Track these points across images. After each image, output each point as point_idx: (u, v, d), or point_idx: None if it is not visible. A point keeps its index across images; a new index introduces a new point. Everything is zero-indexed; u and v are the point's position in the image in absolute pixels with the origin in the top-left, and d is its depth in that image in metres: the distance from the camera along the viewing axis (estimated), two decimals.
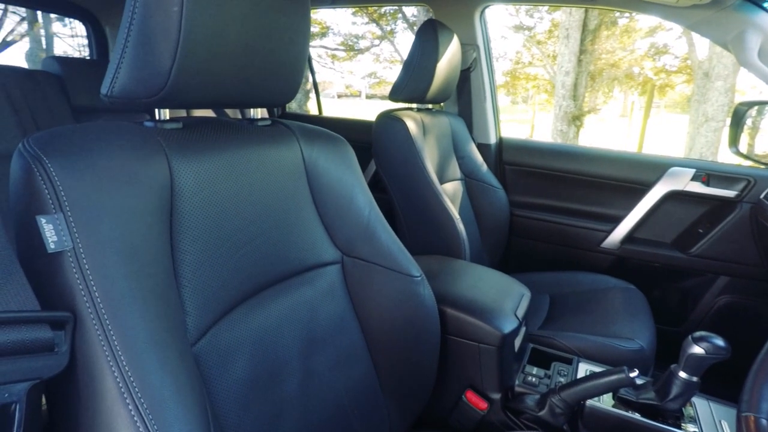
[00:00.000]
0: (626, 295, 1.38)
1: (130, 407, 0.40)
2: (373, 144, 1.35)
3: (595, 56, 7.01)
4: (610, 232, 1.59)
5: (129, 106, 0.54)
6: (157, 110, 0.58)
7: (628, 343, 1.11)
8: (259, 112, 0.74)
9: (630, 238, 1.57)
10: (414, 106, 1.46)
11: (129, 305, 0.43)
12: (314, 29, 9.97)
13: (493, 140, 1.75)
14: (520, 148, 1.76)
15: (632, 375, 0.77)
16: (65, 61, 1.54)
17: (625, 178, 1.58)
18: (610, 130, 10.83)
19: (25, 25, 7.90)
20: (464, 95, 1.73)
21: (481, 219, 1.63)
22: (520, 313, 0.95)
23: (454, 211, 1.28)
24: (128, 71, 0.51)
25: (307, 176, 0.75)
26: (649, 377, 0.94)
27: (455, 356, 0.92)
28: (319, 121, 2.25)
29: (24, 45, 8.12)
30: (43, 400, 0.46)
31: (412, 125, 1.29)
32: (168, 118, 0.59)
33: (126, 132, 0.52)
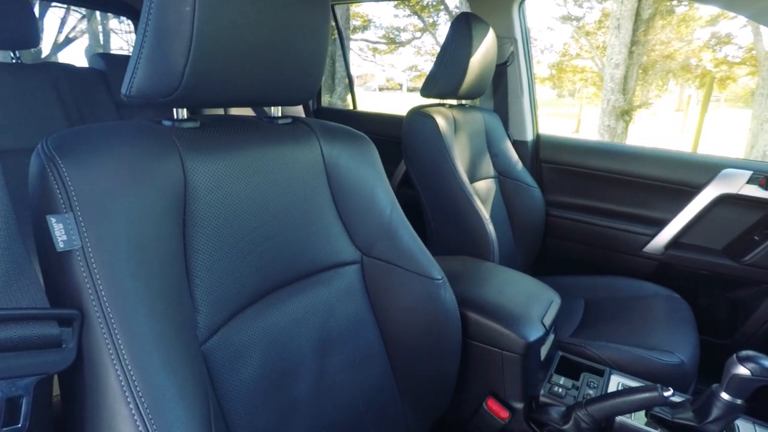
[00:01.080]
0: (669, 303, 1.30)
1: (131, 406, 0.41)
2: (403, 141, 1.33)
3: (648, 47, 6.64)
4: (653, 236, 1.50)
5: (149, 105, 0.55)
6: (175, 110, 0.58)
7: (667, 357, 1.04)
8: (280, 111, 0.73)
9: (675, 243, 1.47)
10: (446, 101, 1.42)
11: (135, 304, 0.44)
12: (356, 22, 10.00)
13: (529, 137, 1.69)
14: (558, 146, 1.69)
15: (666, 394, 0.72)
16: (110, 58, 1.61)
17: (672, 179, 1.48)
18: (664, 125, 10.26)
19: (85, 23, 8.36)
20: (500, 90, 1.67)
21: (514, 219, 1.57)
22: (548, 320, 0.91)
23: (484, 212, 1.24)
24: (144, 72, 0.51)
25: (327, 175, 0.74)
26: (688, 395, 0.88)
27: (477, 362, 0.90)
28: (353, 115, 2.25)
29: (84, 41, 8.60)
30: (58, 391, 0.48)
31: (442, 122, 1.26)
32: (186, 117, 0.59)
33: (141, 132, 0.53)
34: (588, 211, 1.63)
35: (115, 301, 0.43)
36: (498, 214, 1.51)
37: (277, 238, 0.66)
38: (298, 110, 2.15)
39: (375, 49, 10.90)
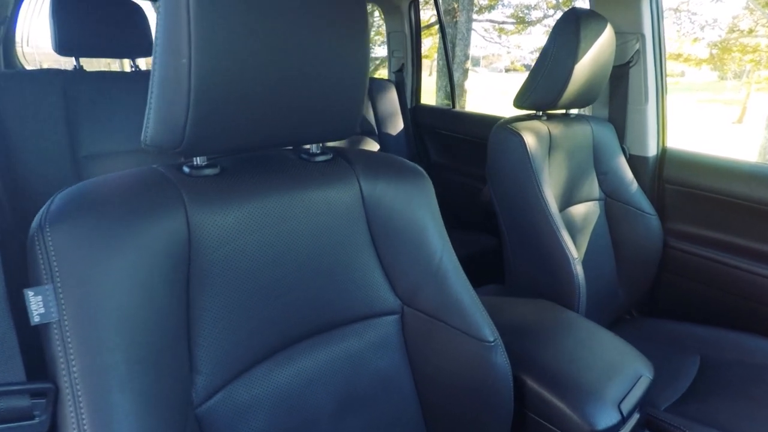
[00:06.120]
0: None
1: None
2: (487, 158, 1.20)
3: None
4: None
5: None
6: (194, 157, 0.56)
7: None
8: (320, 145, 0.67)
9: None
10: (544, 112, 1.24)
11: (107, 380, 0.42)
12: (483, 2, 9.54)
13: (652, 152, 1.41)
14: (690, 164, 1.39)
15: None
16: None
17: None
18: None
19: None
20: (618, 96, 1.42)
21: (620, 248, 1.35)
22: (628, 404, 0.74)
23: (572, 249, 1.06)
24: (153, 124, 0.49)
25: (366, 217, 0.67)
26: None
27: None
28: (450, 115, 2.12)
29: None
30: None
31: (531, 140, 1.10)
32: (205, 163, 0.57)
33: (145, 186, 0.51)
34: (721, 248, 1.33)
35: (85, 377, 0.42)
36: (599, 243, 1.30)
37: (300, 290, 0.62)
38: (394, 105, 2.08)
39: (501, 30, 10.32)
